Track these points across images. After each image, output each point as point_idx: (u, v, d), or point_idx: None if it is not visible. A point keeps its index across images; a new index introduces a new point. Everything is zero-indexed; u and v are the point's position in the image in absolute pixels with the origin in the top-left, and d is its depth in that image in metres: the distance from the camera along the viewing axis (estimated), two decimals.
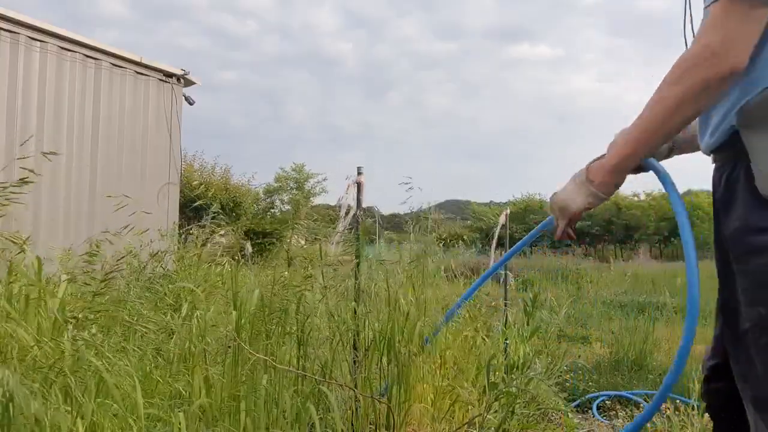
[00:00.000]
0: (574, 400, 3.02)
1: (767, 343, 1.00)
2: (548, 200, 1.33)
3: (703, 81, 1.00)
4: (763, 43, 1.03)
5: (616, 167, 1.18)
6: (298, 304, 1.62)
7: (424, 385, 1.84)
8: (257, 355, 1.44)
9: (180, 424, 1.15)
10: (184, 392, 1.29)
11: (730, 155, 1.10)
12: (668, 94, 1.05)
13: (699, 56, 1.01)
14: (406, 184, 2.41)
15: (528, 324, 2.08)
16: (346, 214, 2.00)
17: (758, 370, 1.02)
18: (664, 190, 1.27)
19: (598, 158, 1.23)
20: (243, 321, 1.47)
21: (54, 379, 1.06)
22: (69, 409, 1.05)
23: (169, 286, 2.00)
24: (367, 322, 1.92)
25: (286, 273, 1.79)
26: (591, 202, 1.23)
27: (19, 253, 1.27)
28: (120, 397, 1.11)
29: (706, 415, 2.50)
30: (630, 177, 1.23)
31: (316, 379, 1.54)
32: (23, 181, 1.25)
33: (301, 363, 1.69)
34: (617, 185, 1.21)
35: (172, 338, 1.55)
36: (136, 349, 1.35)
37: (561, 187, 1.29)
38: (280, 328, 1.61)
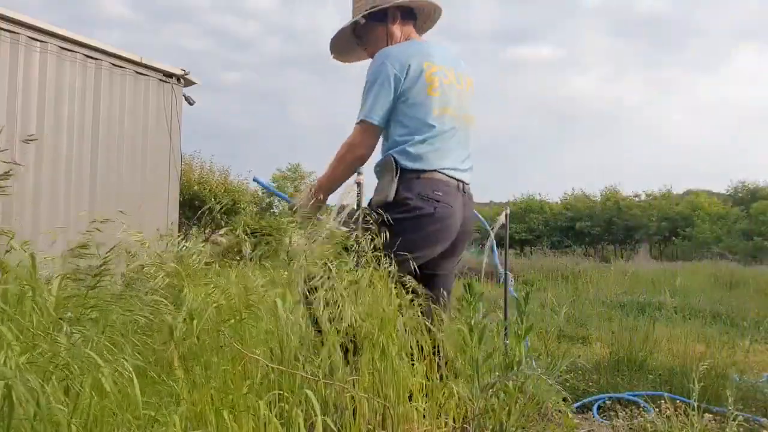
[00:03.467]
0: (575, 401, 3.02)
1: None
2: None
3: (351, 162, 2.16)
4: (385, 136, 2.19)
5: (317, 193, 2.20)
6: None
7: (420, 383, 1.84)
8: (254, 354, 1.44)
9: (175, 425, 1.15)
10: (177, 392, 1.28)
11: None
12: (337, 165, 2.17)
13: (348, 150, 2.14)
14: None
15: (522, 322, 2.09)
16: (341, 212, 2.01)
17: None
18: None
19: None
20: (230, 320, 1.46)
21: (51, 371, 1.06)
22: (65, 405, 1.05)
23: (169, 289, 1.99)
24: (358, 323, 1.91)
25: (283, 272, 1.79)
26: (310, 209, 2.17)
27: (8, 251, 1.26)
28: (111, 392, 1.11)
29: (707, 415, 2.51)
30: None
31: (310, 379, 1.54)
32: (6, 174, 1.24)
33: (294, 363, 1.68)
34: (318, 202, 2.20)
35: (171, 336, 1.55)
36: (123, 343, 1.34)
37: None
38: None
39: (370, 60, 2.32)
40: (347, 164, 2.15)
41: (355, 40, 2.40)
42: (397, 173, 2.07)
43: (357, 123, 2.14)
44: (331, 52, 2.47)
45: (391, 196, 2.05)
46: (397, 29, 2.28)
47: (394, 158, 2.09)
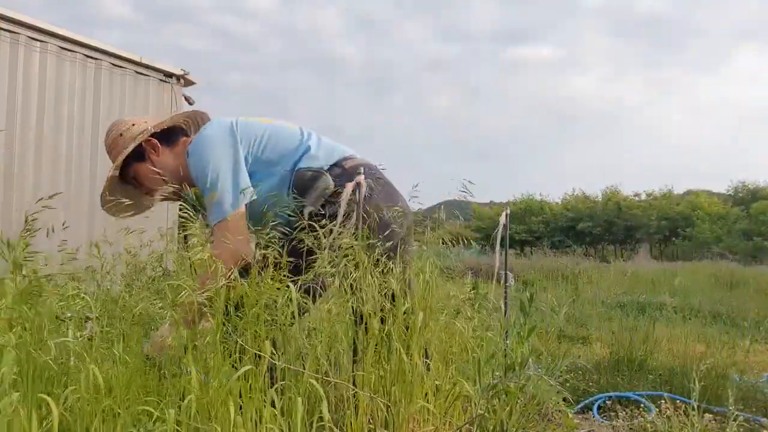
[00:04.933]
0: (576, 402, 3.02)
1: None
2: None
3: (233, 264, 1.65)
4: (268, 164, 1.86)
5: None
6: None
7: (422, 382, 1.84)
8: (254, 349, 1.44)
9: (172, 420, 1.15)
10: (178, 389, 1.29)
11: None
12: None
13: (226, 255, 1.65)
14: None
15: (525, 323, 2.08)
16: (346, 216, 2.00)
17: None
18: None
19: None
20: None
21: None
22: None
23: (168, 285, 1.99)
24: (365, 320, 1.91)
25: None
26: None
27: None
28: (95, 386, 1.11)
29: (707, 415, 2.51)
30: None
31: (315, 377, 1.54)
32: None
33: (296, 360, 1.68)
34: None
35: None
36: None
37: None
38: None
39: (163, 200, 2.08)
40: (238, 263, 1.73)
41: (130, 188, 2.07)
42: (325, 175, 1.85)
43: (230, 216, 1.75)
44: (115, 214, 2.07)
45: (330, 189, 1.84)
46: (166, 157, 1.96)
47: (308, 168, 1.85)
